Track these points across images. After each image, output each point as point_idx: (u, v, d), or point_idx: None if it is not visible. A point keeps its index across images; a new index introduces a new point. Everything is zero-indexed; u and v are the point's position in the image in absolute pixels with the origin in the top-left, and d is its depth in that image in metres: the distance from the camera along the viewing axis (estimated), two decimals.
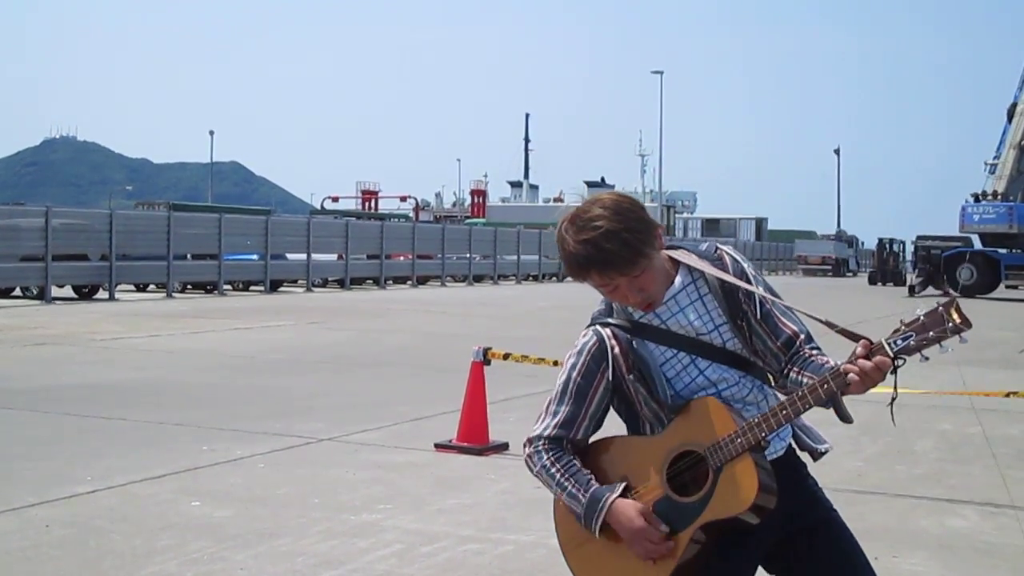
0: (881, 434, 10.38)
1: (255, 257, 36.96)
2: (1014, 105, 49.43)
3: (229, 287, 36.41)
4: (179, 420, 10.50)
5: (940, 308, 2.92)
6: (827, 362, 3.16)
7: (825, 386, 3.02)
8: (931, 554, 6.64)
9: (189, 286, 36.01)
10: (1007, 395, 9.92)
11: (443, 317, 26.13)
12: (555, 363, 10.07)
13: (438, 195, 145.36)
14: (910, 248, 57.84)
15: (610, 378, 3.26)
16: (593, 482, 3.23)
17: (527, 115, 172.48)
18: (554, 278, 55.63)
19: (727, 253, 3.31)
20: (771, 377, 3.30)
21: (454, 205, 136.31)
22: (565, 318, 26.61)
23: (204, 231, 35.05)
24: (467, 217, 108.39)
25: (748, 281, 3.25)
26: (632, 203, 3.16)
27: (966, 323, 2.89)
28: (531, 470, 3.37)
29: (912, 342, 2.95)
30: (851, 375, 2.99)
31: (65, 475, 8.10)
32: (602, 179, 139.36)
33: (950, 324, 2.90)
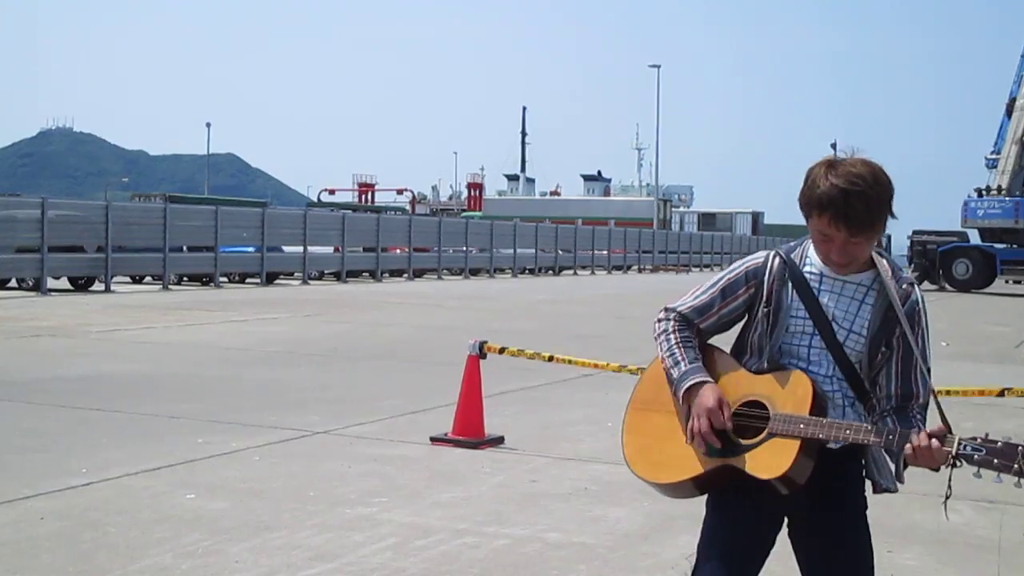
0: None
1: (251, 249, 36.93)
2: (1013, 100, 49.43)
3: (225, 279, 36.38)
4: (174, 412, 10.50)
5: (1021, 448, 3.13)
6: (913, 422, 3.43)
7: (889, 437, 3.33)
8: (926, 549, 6.65)
9: (185, 278, 35.96)
10: (1000, 393, 9.88)
11: (439, 310, 26.13)
12: (551, 358, 10.09)
13: (435, 188, 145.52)
14: (897, 241, 57.38)
15: (752, 295, 3.61)
16: (700, 363, 3.59)
17: (524, 108, 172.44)
18: (550, 271, 55.64)
19: (917, 293, 3.55)
20: (871, 402, 3.55)
21: (451, 198, 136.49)
22: (561, 311, 26.65)
23: (200, 223, 35.01)
24: (464, 210, 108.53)
25: (913, 325, 3.49)
26: (888, 179, 3.41)
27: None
28: (654, 332, 3.72)
29: (977, 457, 3.20)
30: (910, 447, 3.30)
31: (60, 467, 8.09)
32: (599, 172, 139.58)
33: (1016, 466, 3.12)
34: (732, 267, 3.68)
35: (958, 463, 3.22)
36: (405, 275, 44.80)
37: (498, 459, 8.91)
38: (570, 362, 10.07)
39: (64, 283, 31.24)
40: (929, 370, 3.51)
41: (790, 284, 3.55)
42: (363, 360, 15.54)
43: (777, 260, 3.60)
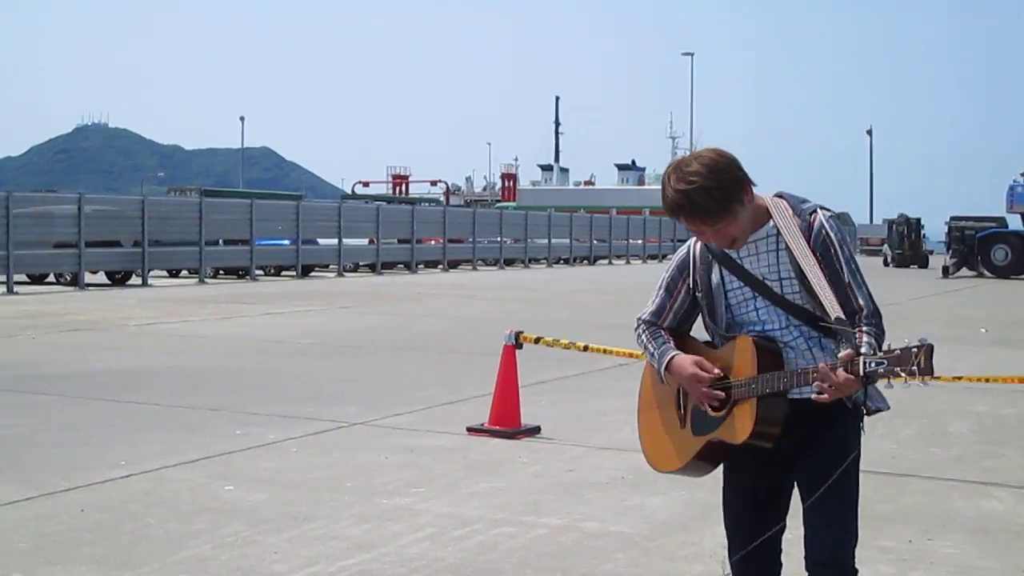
0: (915, 416, 10.33)
1: (287, 242, 37.03)
2: None
3: (261, 272, 36.50)
4: (212, 405, 10.55)
5: (913, 348, 3.29)
6: (849, 351, 3.47)
7: (812, 375, 3.52)
8: (966, 537, 6.59)
9: (221, 271, 36.11)
10: None
11: (474, 301, 26.14)
12: (585, 348, 10.08)
13: (468, 179, 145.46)
14: (932, 228, 56.75)
15: (690, 285, 3.90)
16: (667, 343, 3.92)
17: (557, 98, 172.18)
18: (585, 261, 55.57)
19: (820, 216, 3.69)
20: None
21: (484, 189, 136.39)
22: (596, 301, 26.61)
23: (236, 217, 35.13)
24: (498, 201, 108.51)
25: (827, 248, 3.64)
26: (728, 163, 3.58)
27: (928, 372, 3.28)
28: (635, 341, 4.06)
29: (881, 371, 3.35)
30: (820, 377, 3.48)
31: (99, 460, 8.15)
32: (633, 162, 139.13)
33: (914, 367, 3.28)
34: (668, 266, 3.98)
35: (869, 381, 3.42)
36: (440, 266, 44.84)
37: (535, 449, 8.91)
38: (605, 351, 10.04)
39: (101, 278, 31.43)
40: (861, 280, 3.67)
41: (715, 264, 3.79)
42: (399, 351, 15.56)
43: (698, 246, 3.84)
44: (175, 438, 8.97)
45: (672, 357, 3.85)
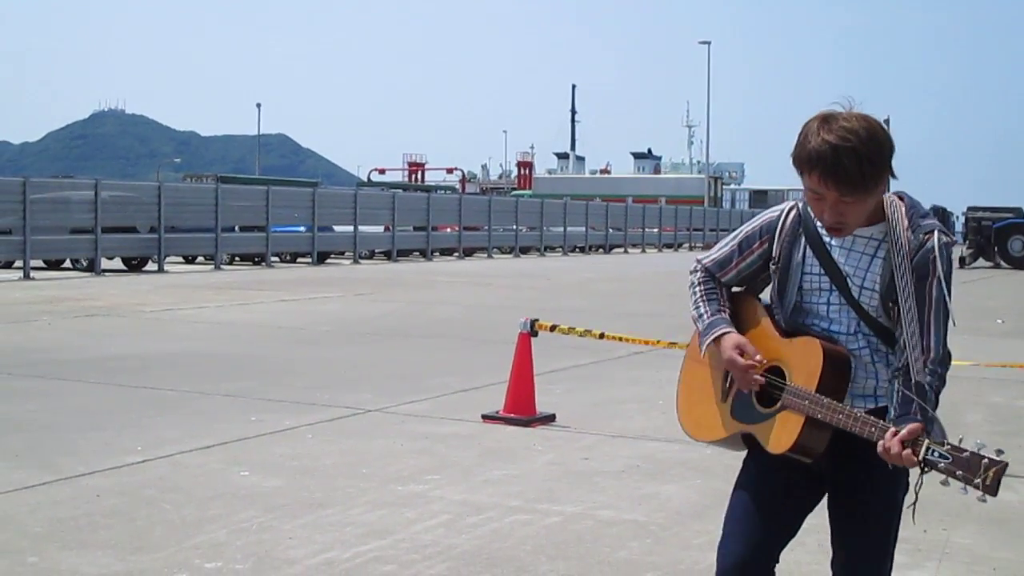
0: None
1: (302, 229, 37.08)
2: None
3: (276, 259, 36.56)
4: (227, 391, 10.57)
5: (985, 460, 3.00)
6: (912, 407, 3.24)
7: (871, 429, 3.19)
8: (981, 527, 6.58)
9: (237, 258, 36.19)
10: None
11: (490, 289, 26.14)
12: (601, 335, 10.07)
13: (484, 167, 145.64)
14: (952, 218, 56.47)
15: (766, 249, 3.54)
16: (722, 312, 3.59)
17: (573, 86, 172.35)
18: (600, 250, 55.54)
19: (935, 241, 3.30)
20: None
21: (500, 177, 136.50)
22: (612, 290, 26.60)
23: (252, 203, 35.19)
24: (513, 189, 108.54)
25: (925, 275, 3.28)
26: (886, 137, 3.24)
27: (990, 491, 2.99)
28: (688, 283, 3.73)
29: (942, 466, 3.06)
30: (881, 445, 3.15)
31: (115, 445, 8.18)
32: (649, 150, 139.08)
33: (978, 480, 3.00)
34: (753, 220, 3.64)
35: (926, 469, 3.11)
36: (455, 254, 44.85)
37: (549, 437, 8.91)
38: (621, 340, 10.04)
39: (118, 263, 31.52)
40: (943, 321, 3.31)
41: (803, 239, 3.46)
42: (414, 338, 15.57)
43: (792, 214, 3.51)
44: (191, 424, 8.99)
45: (723, 334, 3.51)
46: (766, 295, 3.65)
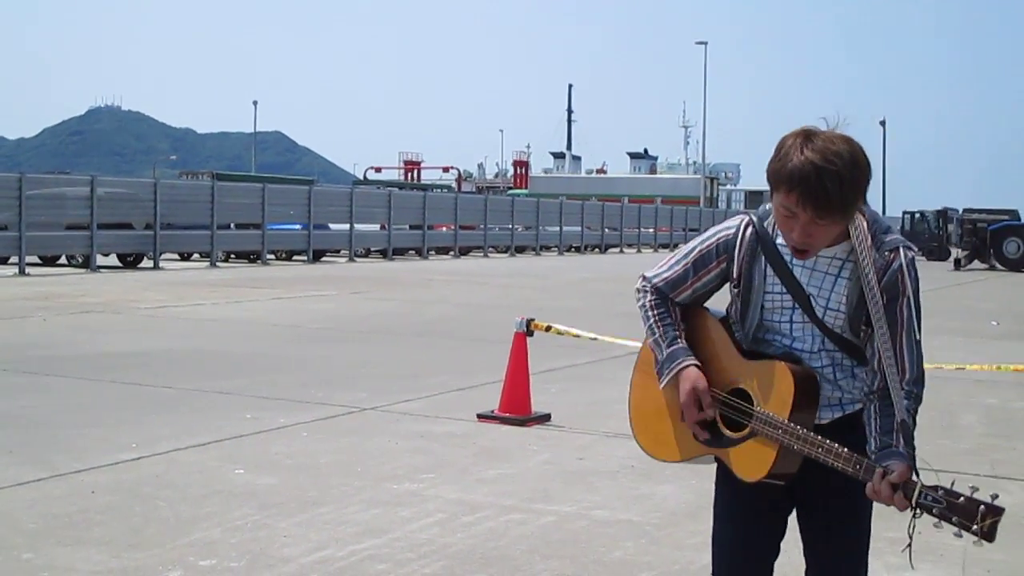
0: (925, 408, 10.27)
1: (298, 227, 37.06)
2: None
3: (272, 256, 36.54)
4: (223, 388, 10.57)
5: (982, 507, 2.94)
6: (895, 428, 3.17)
7: (857, 467, 3.10)
8: None
9: (232, 255, 36.14)
10: None
11: (485, 288, 26.14)
12: (593, 338, 10.08)
13: (480, 166, 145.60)
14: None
15: (724, 269, 3.40)
16: (679, 340, 3.43)
17: (570, 86, 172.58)
18: (596, 249, 55.54)
19: (902, 258, 3.22)
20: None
21: (496, 176, 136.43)
22: (607, 290, 26.59)
23: (248, 201, 35.17)
24: (509, 188, 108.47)
25: (896, 295, 3.20)
26: (866, 164, 3.14)
27: (987, 538, 2.93)
28: (636, 300, 3.55)
29: (936, 512, 2.99)
30: (871, 488, 3.08)
31: (110, 442, 8.17)
32: (645, 150, 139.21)
33: (975, 527, 2.93)
34: (706, 235, 3.46)
35: (918, 513, 3.03)
36: (451, 253, 44.85)
37: (545, 436, 8.92)
38: (617, 340, 10.04)
39: (113, 260, 31.49)
40: (917, 340, 3.23)
41: (763, 258, 3.32)
42: (410, 337, 15.57)
43: (749, 231, 3.35)
44: (186, 421, 8.99)
45: (682, 368, 3.37)
46: (712, 302, 3.55)
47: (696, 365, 3.37)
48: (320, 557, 5.71)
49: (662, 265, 3.53)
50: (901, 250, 3.22)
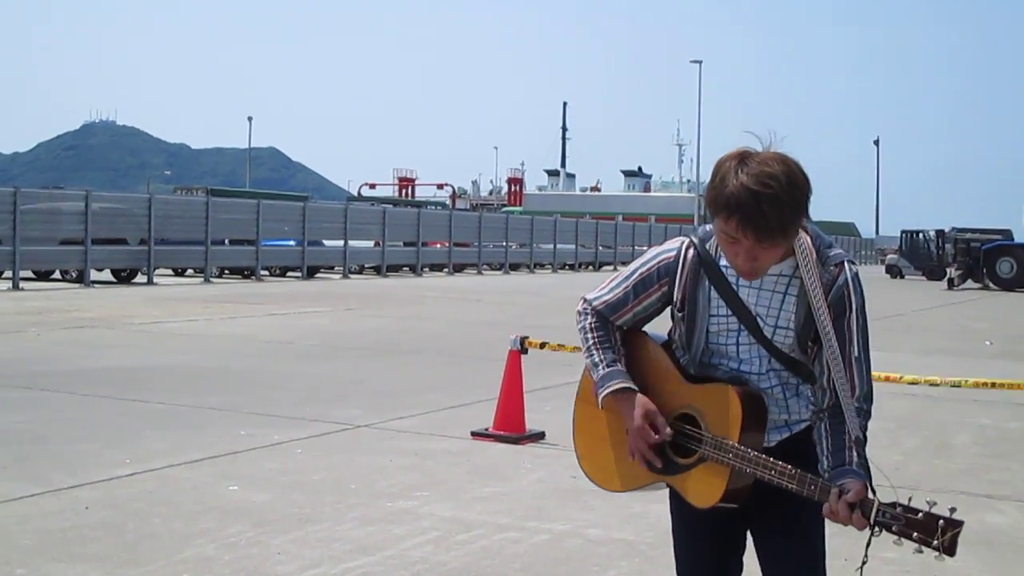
0: (919, 428, 10.33)
1: (292, 243, 37.10)
2: None
3: (266, 272, 36.56)
4: (216, 405, 10.56)
5: (942, 521, 2.89)
6: (848, 445, 3.13)
7: (811, 487, 3.06)
8: (969, 550, 6.58)
9: (226, 271, 36.18)
10: None
11: (479, 305, 26.15)
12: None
13: (475, 183, 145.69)
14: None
15: (665, 292, 3.33)
16: (617, 362, 3.37)
17: (564, 104, 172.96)
18: (590, 267, 55.57)
19: (847, 273, 3.18)
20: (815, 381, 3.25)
21: (491, 193, 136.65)
22: None
23: (242, 216, 35.22)
24: (504, 205, 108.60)
25: (843, 310, 3.16)
26: (805, 181, 3.06)
27: (949, 552, 2.87)
28: (576, 322, 3.50)
29: (895, 529, 2.95)
30: (827, 508, 3.05)
31: (104, 458, 8.16)
32: (639, 168, 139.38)
33: (936, 542, 2.88)
34: (646, 258, 3.40)
35: (876, 531, 2.99)
36: (445, 270, 44.88)
37: (539, 454, 8.91)
38: None
39: (107, 275, 31.49)
40: (866, 355, 3.19)
41: (707, 281, 3.26)
42: (404, 354, 15.57)
43: (691, 253, 3.28)
44: (180, 437, 8.98)
45: (618, 389, 3.32)
46: (652, 326, 3.49)
47: (633, 389, 3.31)
48: (314, 574, 5.70)
49: (603, 287, 3.48)
50: (846, 265, 3.19)
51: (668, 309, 3.38)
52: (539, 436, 9.43)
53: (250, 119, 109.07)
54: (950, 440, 10.09)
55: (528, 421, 9.49)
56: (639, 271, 3.38)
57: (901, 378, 8.76)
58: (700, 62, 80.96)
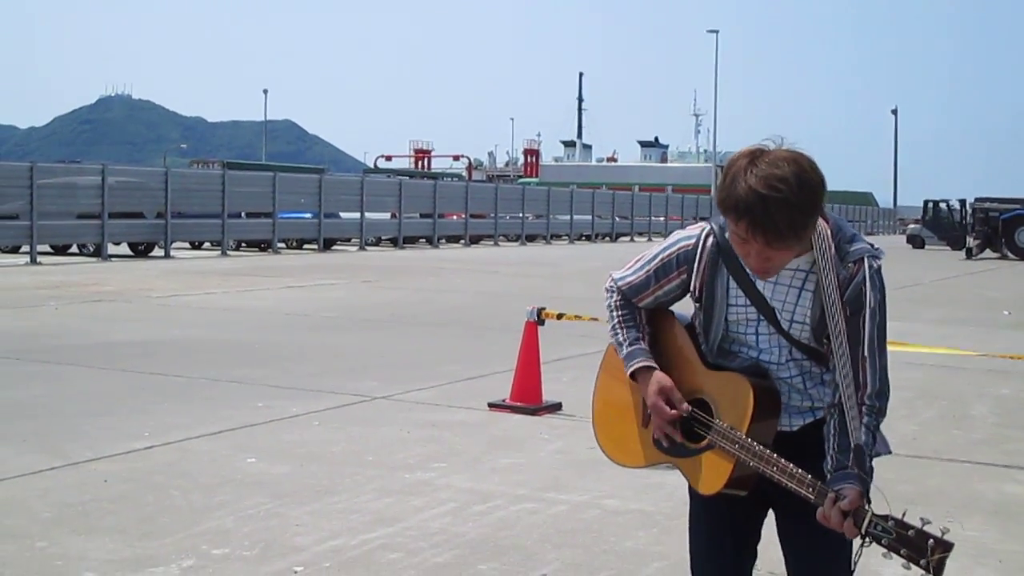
0: (937, 398, 10.31)
1: (309, 216, 37.08)
2: None
3: (283, 245, 36.58)
4: (235, 377, 10.58)
5: (932, 541, 2.86)
6: (852, 446, 3.09)
7: (810, 489, 3.05)
8: (987, 519, 6.58)
9: (243, 244, 36.19)
10: None
11: (496, 276, 26.14)
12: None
13: (491, 154, 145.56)
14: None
15: (684, 280, 3.32)
16: (641, 341, 3.39)
17: (581, 74, 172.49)
18: (607, 238, 55.50)
19: (865, 269, 3.12)
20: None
21: (507, 164, 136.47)
22: None
23: (258, 189, 35.18)
24: (520, 176, 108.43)
25: (859, 309, 3.12)
26: (818, 181, 3.00)
27: (936, 573, 2.85)
28: (604, 299, 3.49)
29: (885, 542, 2.92)
30: (821, 513, 3.03)
31: (123, 431, 8.19)
32: (656, 139, 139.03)
33: (924, 561, 2.86)
34: (667, 243, 3.37)
35: (866, 542, 2.98)
36: (462, 241, 44.86)
37: (556, 425, 8.92)
38: None
39: (124, 249, 31.54)
40: (880, 353, 3.14)
41: (724, 270, 3.24)
42: (421, 326, 15.58)
43: (711, 241, 3.25)
44: (198, 410, 9.00)
45: (640, 368, 3.33)
46: (679, 307, 3.48)
47: (653, 367, 3.32)
48: (332, 546, 5.72)
49: (629, 267, 3.46)
50: (866, 260, 3.13)
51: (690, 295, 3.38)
52: (556, 407, 9.43)
53: (266, 92, 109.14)
54: (968, 410, 10.06)
55: (545, 392, 9.50)
56: (660, 256, 3.37)
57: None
58: (717, 31, 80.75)
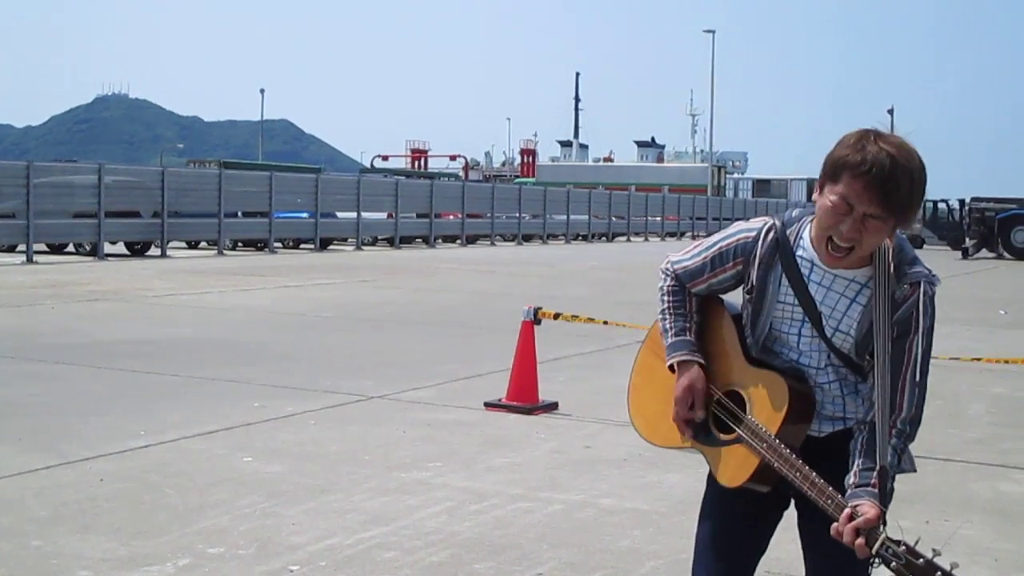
0: (933, 397, 10.28)
1: (305, 215, 37.06)
2: None
3: (279, 245, 36.55)
4: (231, 376, 10.58)
5: (940, 572, 2.86)
6: (878, 467, 3.09)
7: (828, 501, 3.06)
8: (983, 518, 6.59)
9: (240, 243, 36.16)
10: None
11: (493, 276, 26.14)
12: (604, 323, 10.07)
13: (488, 154, 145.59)
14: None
15: (739, 271, 3.34)
16: (687, 332, 3.41)
17: (577, 74, 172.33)
18: (604, 238, 55.51)
19: (920, 293, 3.12)
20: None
21: (504, 164, 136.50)
22: (614, 278, 26.59)
23: (255, 189, 35.17)
24: (517, 176, 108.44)
25: (907, 331, 3.11)
26: (925, 176, 3.04)
27: None
28: (658, 280, 3.52)
29: (893, 566, 2.93)
30: (835, 527, 3.03)
31: (118, 429, 8.19)
32: (652, 139, 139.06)
33: None
34: (728, 233, 3.40)
35: (875, 562, 2.98)
36: (458, 241, 44.84)
37: (552, 425, 8.92)
38: (624, 327, 10.04)
39: (121, 248, 31.52)
40: (921, 380, 3.14)
41: (779, 267, 3.25)
42: (417, 325, 15.58)
43: (770, 236, 3.27)
44: (194, 409, 9.00)
45: (680, 361, 3.37)
46: (731, 296, 3.50)
47: (699, 363, 3.36)
48: (328, 545, 5.72)
49: (687, 252, 3.49)
50: (922, 285, 3.13)
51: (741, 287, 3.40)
52: (552, 406, 9.43)
53: (262, 91, 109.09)
54: (964, 409, 10.07)
55: (541, 391, 9.50)
56: (719, 244, 3.39)
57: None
58: (713, 31, 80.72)
